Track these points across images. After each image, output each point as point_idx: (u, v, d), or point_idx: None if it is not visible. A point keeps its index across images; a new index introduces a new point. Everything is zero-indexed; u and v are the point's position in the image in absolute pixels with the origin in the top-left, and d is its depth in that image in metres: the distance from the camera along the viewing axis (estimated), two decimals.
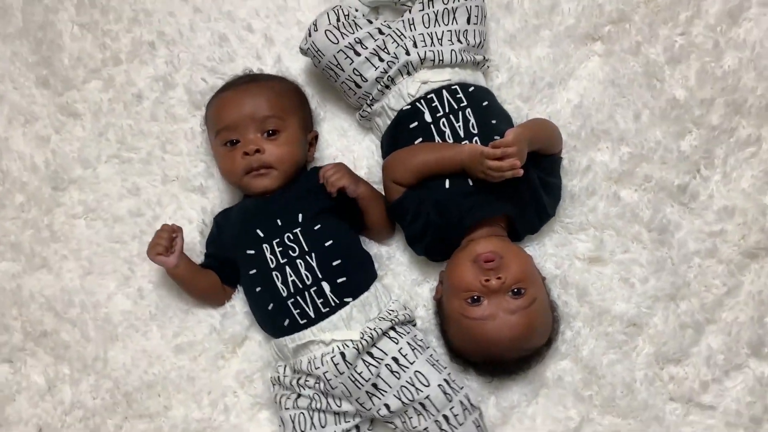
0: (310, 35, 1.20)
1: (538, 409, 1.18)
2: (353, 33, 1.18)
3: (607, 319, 1.19)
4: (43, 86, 1.35)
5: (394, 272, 1.24)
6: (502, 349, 1.09)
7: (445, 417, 1.08)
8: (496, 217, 1.13)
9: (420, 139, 1.15)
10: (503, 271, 1.07)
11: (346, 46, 1.17)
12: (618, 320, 1.19)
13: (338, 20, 1.19)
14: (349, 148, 1.30)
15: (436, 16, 1.21)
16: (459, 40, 1.21)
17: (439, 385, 1.09)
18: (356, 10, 1.25)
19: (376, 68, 1.18)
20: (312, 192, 1.17)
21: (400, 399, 1.09)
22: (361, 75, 1.19)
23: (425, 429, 1.09)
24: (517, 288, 1.07)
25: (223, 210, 1.24)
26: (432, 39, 1.20)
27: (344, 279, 1.12)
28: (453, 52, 1.19)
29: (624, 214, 1.22)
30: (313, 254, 1.12)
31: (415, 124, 1.16)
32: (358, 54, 1.18)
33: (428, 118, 1.16)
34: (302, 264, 1.11)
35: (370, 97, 1.21)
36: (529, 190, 1.12)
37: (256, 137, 1.15)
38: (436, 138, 1.14)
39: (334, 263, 1.12)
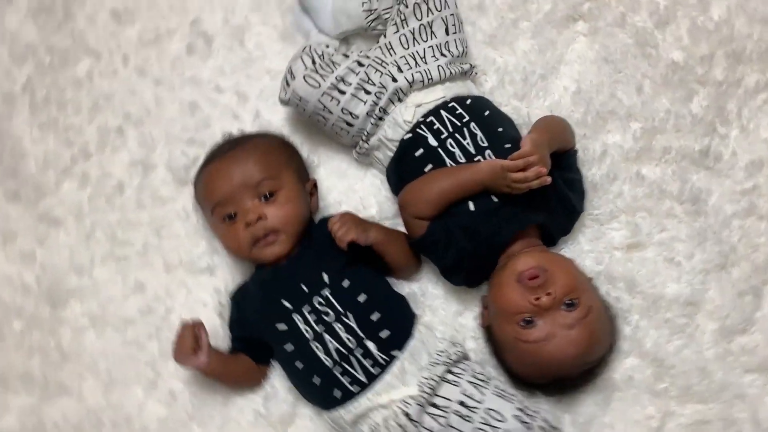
0: (288, 85, 1.12)
1: (616, 416, 1.11)
2: (333, 72, 1.11)
3: (662, 305, 1.13)
4: (14, 200, 1.25)
5: (431, 308, 1.17)
6: (568, 367, 1.03)
7: None
8: (528, 228, 1.07)
9: (430, 166, 1.08)
10: (551, 285, 1.00)
11: (329, 88, 1.10)
12: (674, 304, 1.13)
13: (314, 62, 1.12)
14: (352, 188, 1.23)
15: (413, 34, 1.14)
16: (443, 54, 1.14)
17: (514, 416, 1.01)
18: (327, 47, 1.18)
19: (365, 102, 1.11)
20: (329, 246, 1.09)
21: None
22: (351, 113, 1.12)
23: None
24: (570, 300, 1.00)
25: (239, 287, 1.16)
26: (415, 59, 1.14)
27: (388, 332, 1.05)
28: (440, 68, 1.13)
29: (652, 193, 1.17)
30: (349, 314, 1.04)
31: (421, 151, 1.09)
32: (342, 93, 1.11)
33: (433, 142, 1.09)
34: (341, 327, 1.03)
35: (365, 133, 1.14)
36: (554, 192, 1.06)
37: (254, 204, 1.08)
38: (447, 161, 1.07)
39: (374, 318, 1.05)
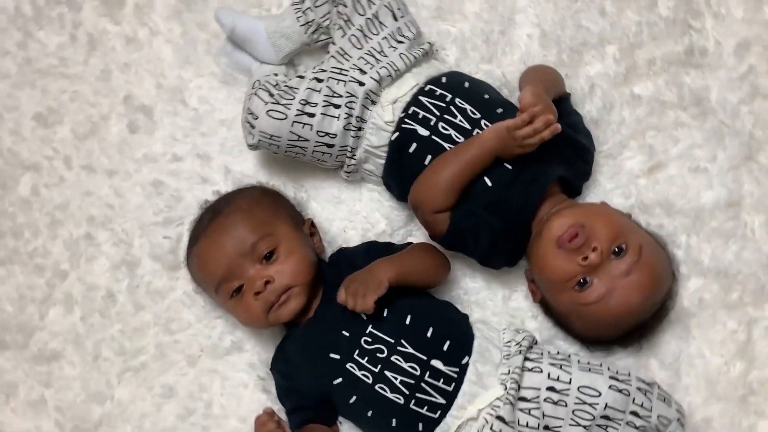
0: (253, 127, 1.03)
1: (701, 342, 1.06)
2: (294, 97, 1.02)
3: (705, 216, 1.08)
4: (1, 350, 1.12)
5: (478, 303, 1.09)
6: (639, 313, 0.97)
7: (634, 413, 0.94)
8: (551, 186, 1.00)
9: (429, 157, 1.00)
10: (594, 238, 0.94)
11: (296, 115, 1.01)
12: (716, 210, 1.08)
13: (271, 95, 1.03)
14: (352, 210, 1.14)
15: (362, 31, 1.07)
16: (399, 41, 1.07)
17: (610, 387, 0.94)
18: (276, 75, 1.09)
19: (338, 117, 1.03)
20: None
21: (579, 425, 0.94)
22: (327, 133, 1.03)
23: None
24: (618, 246, 0.94)
25: (276, 354, 1.05)
26: (374, 55, 1.06)
27: (449, 342, 0.96)
28: (402, 56, 1.05)
29: (653, 109, 1.12)
30: (402, 341, 0.95)
31: (415, 145, 1.01)
32: (312, 115, 1.02)
33: (424, 131, 1.01)
34: (399, 358, 0.94)
35: (349, 149, 1.05)
36: (563, 140, 0.99)
37: (256, 270, 0.98)
38: (445, 145, 1.00)
39: (429, 334, 0.96)
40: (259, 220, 1.01)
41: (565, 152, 1.02)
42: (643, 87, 1.13)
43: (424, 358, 0.95)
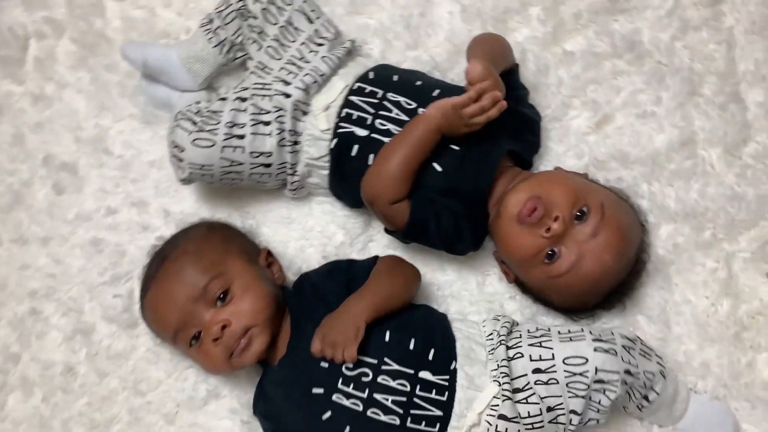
0: (181, 160, 0.97)
1: (684, 288, 1.03)
2: (219, 121, 0.96)
3: (662, 160, 1.06)
4: None
5: (453, 296, 1.05)
6: (615, 274, 0.93)
7: (628, 371, 0.91)
8: (502, 161, 0.96)
9: (372, 155, 0.95)
10: (553, 207, 0.90)
11: (225, 140, 0.95)
12: (671, 152, 1.06)
13: (194, 123, 0.97)
14: (305, 228, 1.08)
15: (278, 41, 1.02)
16: (318, 44, 1.02)
17: (595, 350, 0.90)
18: (198, 102, 1.03)
19: (270, 134, 0.97)
20: (319, 306, 0.95)
21: (577, 395, 0.90)
22: (262, 153, 0.97)
23: (618, 397, 0.91)
24: (579, 210, 0.90)
25: (256, 396, 0.98)
26: (295, 63, 1.01)
27: (433, 350, 0.91)
28: (324, 59, 1.00)
29: (588, 63, 1.09)
30: (386, 359, 0.89)
31: (356, 147, 0.96)
32: (242, 137, 0.96)
33: (362, 132, 0.96)
34: (386, 378, 0.89)
35: (288, 165, 1.00)
36: (510, 114, 0.96)
37: (212, 315, 0.92)
38: (386, 140, 0.95)
39: (411, 346, 0.91)
40: (208, 260, 0.95)
41: (512, 126, 0.98)
42: (574, 43, 1.10)
43: (412, 371, 0.89)
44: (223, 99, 1.00)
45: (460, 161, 0.93)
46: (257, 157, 0.97)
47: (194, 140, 0.95)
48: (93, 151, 1.12)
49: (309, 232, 1.08)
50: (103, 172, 1.12)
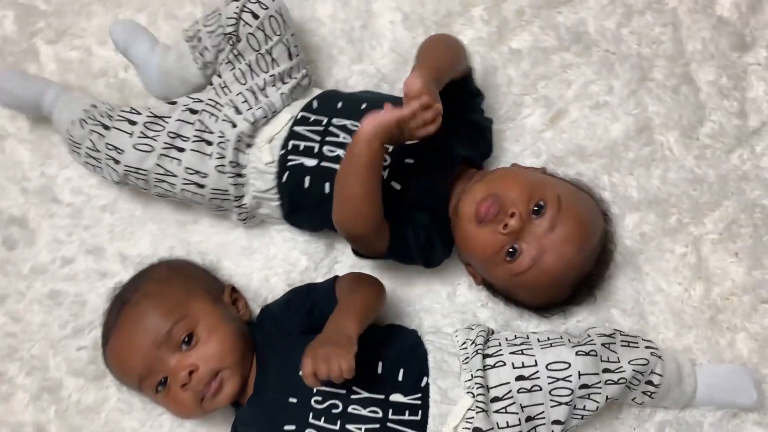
0: (117, 162, 0.94)
1: (655, 277, 1.02)
2: (164, 128, 0.94)
3: (619, 150, 1.05)
4: None
5: (425, 310, 1.03)
6: (578, 265, 0.91)
7: (606, 370, 0.89)
8: (456, 170, 0.94)
9: (327, 184, 0.93)
10: (509, 204, 0.88)
11: (164, 148, 0.93)
12: (628, 140, 1.05)
13: (133, 123, 0.94)
14: (268, 257, 1.06)
15: (250, 67, 0.97)
16: (284, 81, 0.98)
17: (577, 354, 0.89)
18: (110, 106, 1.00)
19: (210, 156, 0.95)
20: (284, 338, 0.92)
21: (560, 404, 0.89)
22: (197, 172, 0.94)
23: (607, 397, 0.90)
24: (536, 204, 0.89)
25: None
26: (254, 93, 0.97)
27: (402, 370, 0.89)
28: (283, 96, 0.97)
29: (536, 59, 1.07)
30: (354, 387, 0.87)
31: (308, 178, 0.93)
32: (181, 150, 0.94)
33: (311, 162, 0.93)
34: (357, 407, 0.87)
35: (227, 194, 0.97)
36: (463, 122, 0.94)
37: (177, 360, 0.89)
38: (337, 167, 0.92)
39: (380, 371, 0.89)
40: (170, 303, 0.91)
41: (465, 134, 0.96)
42: (519, 40, 1.08)
43: (382, 397, 0.87)
44: (173, 104, 0.97)
45: (417, 175, 0.91)
46: (191, 174, 0.94)
47: (135, 144, 0.93)
48: (41, 202, 1.09)
49: (271, 261, 1.05)
50: (55, 222, 1.08)
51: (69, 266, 1.07)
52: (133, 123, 0.95)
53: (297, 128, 0.95)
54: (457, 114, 0.94)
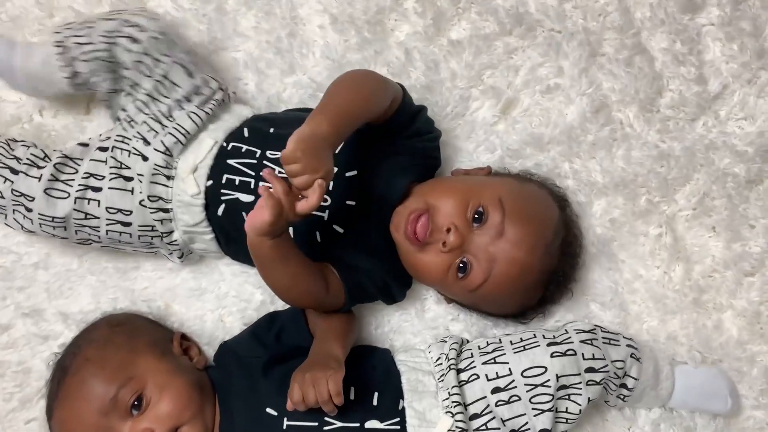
0: (30, 210, 0.85)
1: (632, 264, 0.97)
2: (76, 170, 0.87)
3: (577, 134, 0.98)
4: None
5: (394, 330, 0.97)
6: (536, 266, 0.84)
7: (589, 369, 0.84)
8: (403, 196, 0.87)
9: None
10: (442, 218, 0.82)
11: (79, 191, 0.86)
12: (586, 123, 0.98)
13: (39, 168, 0.86)
14: (219, 296, 0.98)
15: (150, 96, 0.89)
16: (189, 100, 0.90)
17: (552, 355, 0.84)
18: (28, 147, 0.91)
19: (132, 191, 0.87)
20: (245, 377, 0.87)
21: (543, 411, 0.84)
22: (120, 210, 0.87)
23: (589, 399, 0.84)
24: (475, 212, 0.82)
25: None
26: (159, 122, 0.89)
27: (376, 394, 0.84)
28: (191, 115, 0.89)
29: (478, 48, 1.00)
30: (326, 418, 0.82)
31: (243, 214, 0.85)
32: (98, 189, 0.86)
33: (247, 197, 0.86)
34: None
35: (159, 234, 0.89)
36: (395, 151, 0.88)
37: (129, 426, 0.82)
38: None
39: (352, 397, 0.83)
40: (113, 366, 0.84)
41: (407, 161, 0.89)
42: (458, 30, 1.01)
43: (357, 425, 0.82)
44: (84, 145, 0.90)
45: (361, 214, 0.85)
46: (114, 213, 0.87)
47: (46, 189, 0.85)
48: None
49: (224, 299, 0.98)
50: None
51: (7, 333, 0.99)
52: (37, 166, 0.87)
53: (230, 161, 0.87)
54: (397, 142, 0.88)
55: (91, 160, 0.88)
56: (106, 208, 0.86)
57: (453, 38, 1.00)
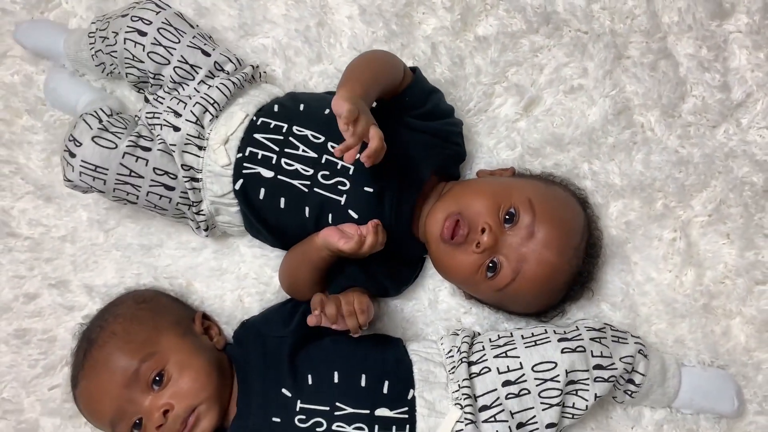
0: (73, 156, 0.85)
1: (645, 266, 0.97)
2: (127, 127, 0.89)
3: (599, 136, 0.99)
4: None
5: (406, 319, 0.99)
6: (564, 267, 0.86)
7: (597, 366, 0.86)
8: (426, 186, 0.89)
9: (283, 199, 0.88)
10: (477, 219, 0.84)
11: (129, 146, 0.87)
12: (608, 125, 0.99)
13: (101, 121, 0.88)
14: (240, 276, 1.01)
15: (173, 80, 0.92)
16: (213, 75, 0.93)
17: (562, 351, 0.86)
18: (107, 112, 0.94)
19: (173, 155, 0.89)
20: (263, 358, 0.89)
21: (551, 405, 0.85)
22: (167, 173, 0.89)
23: (596, 395, 0.86)
24: (507, 213, 0.84)
25: None
26: (190, 96, 0.92)
27: (387, 383, 0.86)
28: (219, 87, 0.91)
29: (504, 45, 1.01)
30: (337, 404, 0.84)
31: (263, 190, 0.88)
32: (148, 149, 0.88)
33: (268, 173, 0.88)
34: (342, 424, 0.84)
35: (191, 202, 0.92)
36: (413, 131, 0.89)
37: (151, 400, 0.85)
38: (293, 183, 0.87)
39: (363, 383, 0.86)
40: (138, 341, 0.87)
41: (426, 146, 0.90)
42: (485, 26, 1.02)
43: (367, 411, 0.84)
44: (137, 117, 0.94)
45: (377, 202, 0.87)
46: (161, 175, 0.89)
47: (95, 137, 0.85)
48: None
49: (244, 281, 1.01)
50: (14, 257, 1.03)
51: (33, 302, 1.03)
52: (99, 119, 0.88)
53: (256, 135, 0.89)
54: (416, 124, 0.89)
55: (141, 125, 0.91)
56: (154, 168, 0.88)
57: (479, 34, 1.01)
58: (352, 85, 0.78)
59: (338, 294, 0.85)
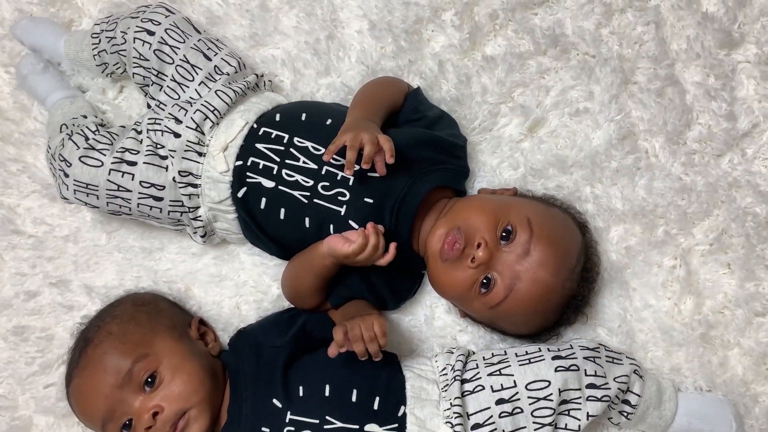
0: (67, 175, 0.90)
1: (644, 292, 0.97)
2: (113, 143, 0.92)
3: (602, 159, 0.99)
4: None
5: (402, 336, 0.99)
6: (558, 287, 0.86)
7: (590, 385, 0.85)
8: (427, 198, 0.89)
9: (283, 210, 0.89)
10: (473, 235, 0.84)
11: (114, 162, 0.90)
12: (611, 149, 0.99)
13: (87, 139, 0.92)
14: (238, 284, 1.01)
15: (175, 80, 0.94)
16: (213, 79, 0.94)
17: (556, 370, 0.85)
18: (85, 117, 1.00)
19: (167, 168, 0.91)
20: (257, 367, 0.89)
21: (543, 425, 0.85)
22: (153, 185, 0.91)
23: (588, 415, 0.85)
24: (504, 230, 0.84)
25: None
26: (189, 102, 0.93)
27: (378, 399, 0.86)
28: (219, 93, 0.93)
29: (511, 65, 1.01)
30: (327, 417, 0.84)
31: (264, 200, 0.89)
32: (133, 164, 0.90)
33: (269, 183, 0.89)
34: None
35: (186, 208, 0.93)
36: (419, 146, 0.89)
37: (141, 402, 0.86)
38: (294, 194, 0.88)
39: (354, 398, 0.85)
40: (132, 342, 0.88)
41: (432, 159, 0.91)
42: (493, 46, 1.02)
43: (356, 427, 0.84)
44: (123, 127, 0.97)
45: (377, 213, 0.87)
46: (147, 188, 0.91)
47: (81, 156, 0.90)
48: (3, 234, 1.05)
49: (242, 288, 1.01)
50: (17, 254, 1.05)
51: (34, 300, 1.04)
52: (85, 137, 0.93)
53: (258, 145, 0.90)
54: (419, 136, 0.90)
55: (127, 138, 0.92)
56: (140, 182, 0.90)
57: (487, 54, 1.02)
58: (357, 113, 0.87)
59: (355, 318, 0.84)
